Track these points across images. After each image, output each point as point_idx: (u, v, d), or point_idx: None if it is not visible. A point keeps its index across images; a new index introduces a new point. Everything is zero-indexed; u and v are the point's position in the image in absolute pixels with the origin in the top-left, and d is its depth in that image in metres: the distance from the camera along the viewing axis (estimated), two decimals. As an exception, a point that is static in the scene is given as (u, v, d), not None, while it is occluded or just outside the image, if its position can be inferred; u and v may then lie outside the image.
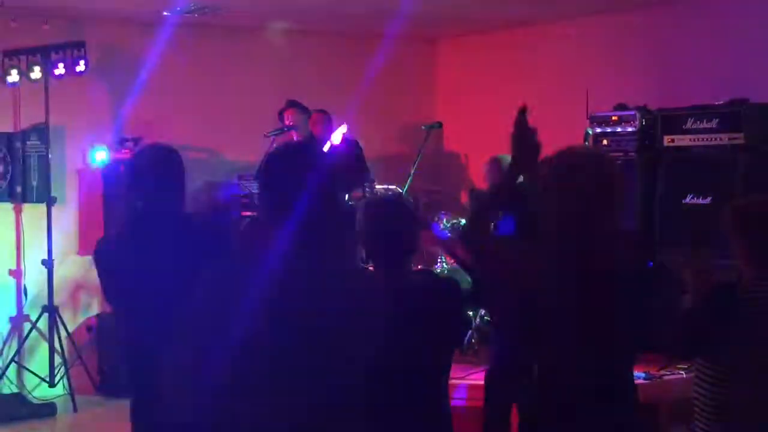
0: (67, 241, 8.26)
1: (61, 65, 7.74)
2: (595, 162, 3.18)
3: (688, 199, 6.97)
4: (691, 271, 3.88)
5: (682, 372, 6.11)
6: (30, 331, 7.98)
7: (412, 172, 8.12)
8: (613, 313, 3.07)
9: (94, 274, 8.57)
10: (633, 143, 7.30)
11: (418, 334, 3.37)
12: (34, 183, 8.07)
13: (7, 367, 7.88)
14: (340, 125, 8.09)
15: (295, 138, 8.12)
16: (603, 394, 3.11)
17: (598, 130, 7.51)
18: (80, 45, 7.77)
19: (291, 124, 8.06)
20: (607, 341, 3.11)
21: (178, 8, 7.84)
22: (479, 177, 7.56)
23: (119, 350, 8.01)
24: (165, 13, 8.02)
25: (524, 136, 3.24)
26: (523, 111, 3.25)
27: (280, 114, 8.22)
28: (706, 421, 3.73)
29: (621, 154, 7.31)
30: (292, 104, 8.17)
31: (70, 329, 7.93)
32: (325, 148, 7.81)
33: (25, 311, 8.14)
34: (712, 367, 3.72)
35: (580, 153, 3.33)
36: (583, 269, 3.04)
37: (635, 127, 7.31)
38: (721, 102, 6.98)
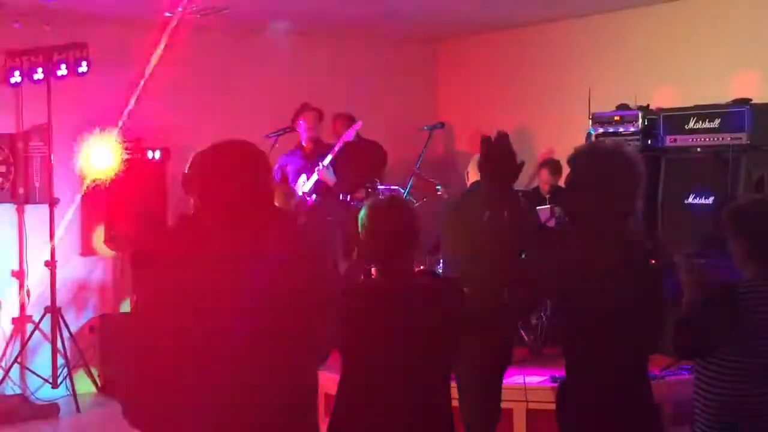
0: (69, 242, 8.26)
1: (63, 66, 7.75)
2: (625, 156, 3.22)
3: (690, 199, 6.97)
4: (686, 270, 3.88)
5: (685, 373, 6.10)
6: (33, 332, 7.99)
7: (414, 172, 8.13)
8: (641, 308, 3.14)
9: (96, 275, 8.63)
10: (635, 143, 7.28)
11: (420, 334, 3.37)
12: (37, 184, 8.08)
13: (10, 368, 7.89)
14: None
15: (303, 141, 8.12)
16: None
17: (600, 130, 7.50)
18: (82, 46, 7.79)
19: (309, 127, 8.06)
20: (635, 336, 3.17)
21: (181, 9, 7.84)
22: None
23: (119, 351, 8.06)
24: (167, 14, 8.02)
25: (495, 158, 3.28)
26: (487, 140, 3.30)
27: (296, 117, 8.22)
28: (706, 421, 3.73)
29: (636, 150, 7.31)
30: (308, 108, 8.18)
31: (73, 330, 7.93)
32: (337, 147, 7.83)
33: (28, 312, 8.14)
34: (712, 367, 3.71)
35: (607, 148, 3.35)
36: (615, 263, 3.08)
37: (637, 127, 7.31)
38: (724, 102, 6.97)
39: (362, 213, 3.57)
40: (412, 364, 3.38)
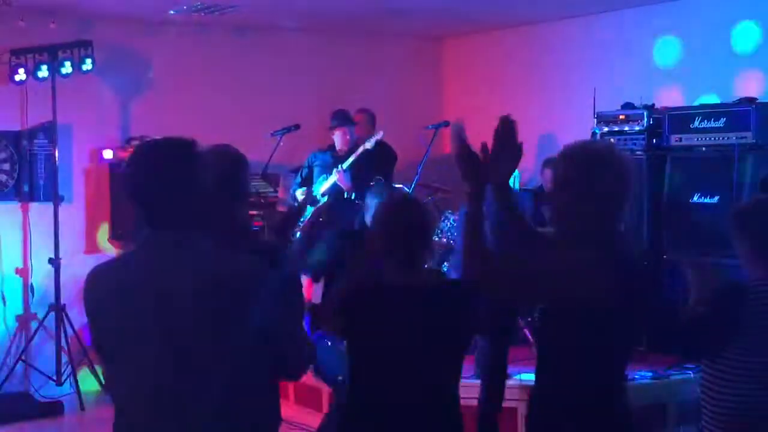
0: (74, 240, 8.27)
1: (68, 64, 7.76)
2: (616, 158, 3.17)
3: (695, 199, 6.96)
4: (693, 270, 3.87)
5: (690, 372, 6.09)
6: (37, 329, 7.99)
7: (419, 171, 8.13)
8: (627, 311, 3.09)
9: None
10: (640, 142, 7.28)
11: (431, 334, 3.37)
12: (41, 182, 8.09)
13: (14, 365, 7.89)
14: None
15: (337, 146, 8.09)
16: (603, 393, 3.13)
17: (606, 129, 7.49)
18: (87, 44, 7.79)
19: (346, 140, 8.04)
20: (615, 340, 3.12)
21: (185, 7, 7.84)
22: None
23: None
24: (171, 12, 8.02)
25: (465, 152, 3.25)
26: (459, 128, 3.28)
27: (336, 125, 8.15)
28: (713, 421, 3.72)
29: (628, 153, 7.30)
30: (349, 121, 8.14)
31: (77, 328, 7.93)
32: (356, 155, 7.82)
33: (32, 310, 8.15)
34: (719, 367, 3.70)
35: (598, 149, 3.31)
36: (606, 268, 3.04)
37: (642, 126, 7.30)
38: (729, 101, 6.96)
39: (376, 210, 3.55)
40: (422, 363, 3.36)
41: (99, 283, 2.77)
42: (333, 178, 7.87)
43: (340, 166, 7.83)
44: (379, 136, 7.89)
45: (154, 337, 2.63)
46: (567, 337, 3.14)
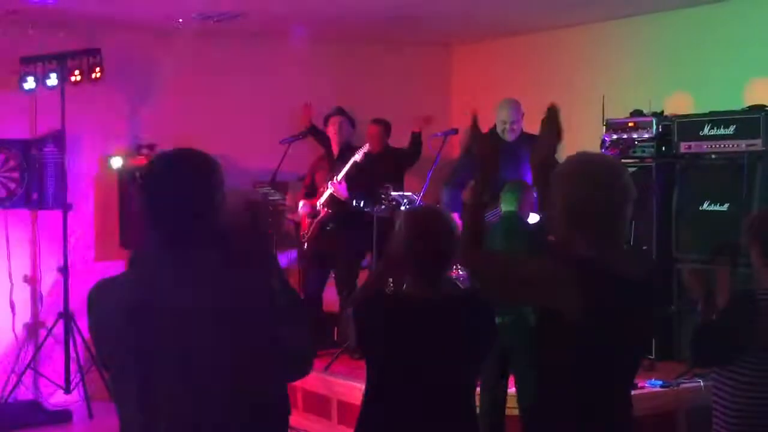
0: (83, 248, 8.28)
1: (77, 72, 7.77)
2: (611, 172, 3.11)
3: (705, 206, 6.93)
4: (690, 278, 3.86)
5: (700, 380, 6.07)
6: (46, 337, 8.00)
7: (428, 178, 8.11)
8: (629, 323, 3.04)
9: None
10: (650, 150, 7.26)
11: (449, 345, 3.36)
12: (51, 190, 8.10)
13: (23, 373, 7.90)
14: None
15: (332, 147, 8.12)
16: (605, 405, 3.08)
17: (615, 136, 7.47)
18: (96, 52, 7.80)
19: (334, 132, 8.08)
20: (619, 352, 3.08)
21: (194, 15, 7.85)
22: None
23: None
24: (180, 20, 8.03)
25: (479, 140, 3.23)
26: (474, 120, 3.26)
27: (326, 122, 8.27)
28: (725, 429, 3.70)
29: (637, 160, 7.29)
30: (340, 111, 8.19)
31: (86, 336, 7.93)
32: (347, 167, 7.81)
33: (41, 318, 8.16)
34: (732, 374, 3.69)
35: (594, 161, 3.25)
36: (600, 279, 3.00)
37: (651, 133, 7.27)
38: (739, 108, 6.94)
39: (401, 222, 3.51)
40: (440, 375, 3.36)
41: (106, 299, 2.68)
42: (330, 190, 7.84)
43: (335, 178, 7.80)
44: (365, 148, 7.86)
45: (170, 356, 2.57)
46: (558, 349, 3.08)
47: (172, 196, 2.65)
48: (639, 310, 3.06)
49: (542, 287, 3.01)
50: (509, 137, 7.38)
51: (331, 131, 8.16)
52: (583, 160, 3.15)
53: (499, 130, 7.42)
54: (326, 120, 8.28)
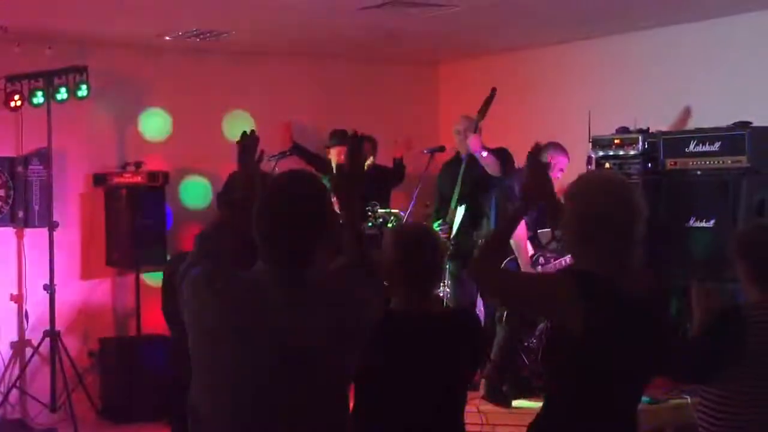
0: (69, 266, 8.24)
1: (63, 90, 7.76)
2: (625, 190, 3.16)
3: (691, 223, 6.95)
4: (696, 292, 3.87)
5: (687, 396, 6.07)
6: (32, 356, 7.96)
7: (415, 195, 8.10)
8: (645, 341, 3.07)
9: (96, 299, 8.60)
10: (635, 166, 7.28)
11: (440, 363, 3.38)
12: (36, 207, 8.07)
13: (9, 392, 7.85)
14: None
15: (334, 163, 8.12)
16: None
17: (601, 153, 7.50)
18: (82, 70, 7.79)
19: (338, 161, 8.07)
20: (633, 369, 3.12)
21: (181, 33, 7.86)
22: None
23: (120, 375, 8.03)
24: (167, 38, 8.03)
25: (538, 174, 3.25)
26: (535, 152, 3.29)
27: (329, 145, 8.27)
28: (711, 445, 3.71)
29: (622, 177, 7.30)
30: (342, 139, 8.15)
31: (72, 354, 7.90)
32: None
33: (27, 336, 8.12)
34: (718, 391, 3.69)
35: (610, 180, 3.30)
36: (608, 297, 3.02)
37: (638, 150, 7.30)
38: (724, 125, 6.97)
39: (388, 239, 3.54)
40: (432, 389, 3.38)
41: (238, 284, 2.79)
42: None
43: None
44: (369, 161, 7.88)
45: (276, 351, 2.72)
46: (562, 364, 3.12)
47: (291, 217, 2.82)
48: (644, 328, 3.09)
49: (549, 302, 3.08)
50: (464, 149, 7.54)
51: (335, 160, 8.10)
52: (597, 178, 3.23)
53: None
54: (329, 147, 8.25)
